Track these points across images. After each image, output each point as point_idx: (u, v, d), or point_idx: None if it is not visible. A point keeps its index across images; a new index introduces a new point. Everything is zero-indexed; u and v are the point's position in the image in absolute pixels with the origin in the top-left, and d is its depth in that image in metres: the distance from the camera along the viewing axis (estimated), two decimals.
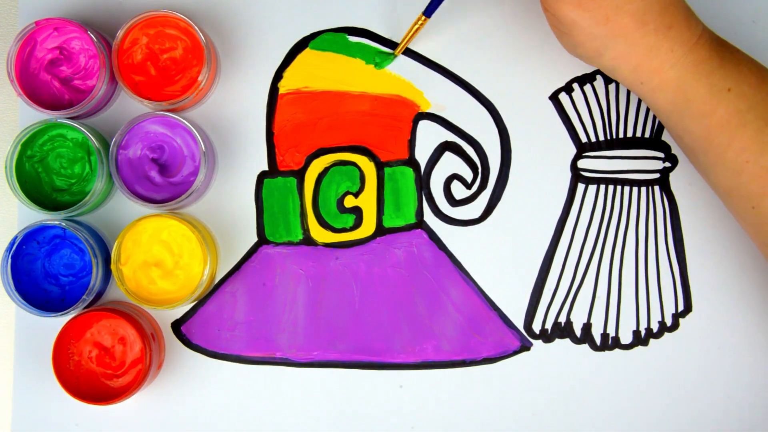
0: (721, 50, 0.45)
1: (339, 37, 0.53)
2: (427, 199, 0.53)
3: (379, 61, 0.53)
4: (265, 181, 0.53)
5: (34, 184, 0.51)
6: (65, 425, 0.52)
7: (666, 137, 0.53)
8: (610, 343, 0.53)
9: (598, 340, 0.53)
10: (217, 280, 0.53)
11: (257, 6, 0.54)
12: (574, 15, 0.43)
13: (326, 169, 0.53)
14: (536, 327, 0.53)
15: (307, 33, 0.54)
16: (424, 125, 0.53)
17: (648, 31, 0.43)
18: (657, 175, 0.53)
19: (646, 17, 0.43)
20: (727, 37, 0.52)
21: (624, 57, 0.44)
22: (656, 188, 0.53)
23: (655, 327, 0.53)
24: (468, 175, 0.53)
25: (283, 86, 0.53)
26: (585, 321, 0.53)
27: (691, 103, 0.45)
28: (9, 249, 0.50)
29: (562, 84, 0.53)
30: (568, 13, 0.43)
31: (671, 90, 0.44)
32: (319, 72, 0.53)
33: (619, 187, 0.53)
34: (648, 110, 0.53)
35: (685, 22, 0.44)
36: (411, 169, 0.53)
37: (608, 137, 0.53)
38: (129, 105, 0.53)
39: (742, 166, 0.45)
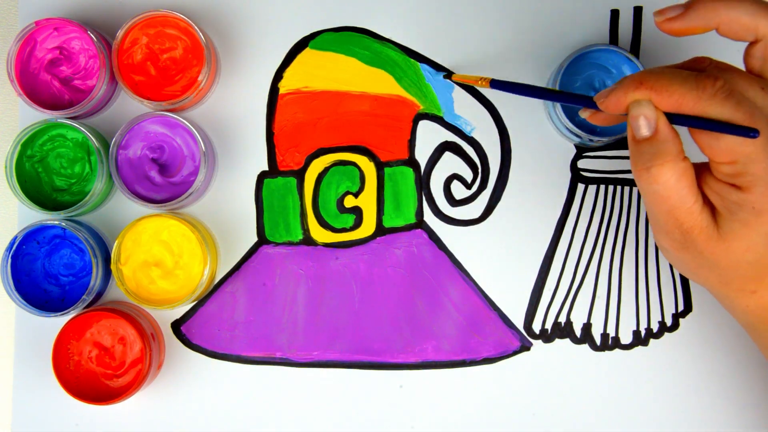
0: None
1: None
2: (427, 199, 0.53)
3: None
4: (265, 181, 0.53)
5: (34, 184, 0.51)
6: (65, 425, 0.53)
7: None
8: (610, 343, 0.53)
9: (598, 340, 0.53)
10: (217, 280, 0.53)
11: (257, 6, 0.54)
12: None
13: (326, 169, 0.53)
14: (536, 327, 0.53)
15: (307, 33, 0.54)
16: (424, 125, 0.53)
17: None
18: None
19: None
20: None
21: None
22: None
23: (655, 327, 0.53)
24: (468, 175, 0.53)
25: (283, 86, 0.53)
26: (585, 321, 0.53)
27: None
28: (9, 249, 0.50)
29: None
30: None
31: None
32: (319, 72, 0.53)
33: (619, 187, 0.53)
34: None
35: None
36: (411, 169, 0.53)
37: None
38: (129, 105, 0.53)
39: None
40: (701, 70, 0.39)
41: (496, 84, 0.47)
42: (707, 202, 0.39)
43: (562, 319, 0.53)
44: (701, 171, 0.40)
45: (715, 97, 0.37)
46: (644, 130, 0.38)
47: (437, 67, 0.53)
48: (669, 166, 0.38)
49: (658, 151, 0.38)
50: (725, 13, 0.38)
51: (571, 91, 0.43)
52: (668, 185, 0.38)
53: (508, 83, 0.46)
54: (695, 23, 0.39)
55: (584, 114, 0.44)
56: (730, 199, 0.38)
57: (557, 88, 0.50)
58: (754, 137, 0.35)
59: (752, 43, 0.39)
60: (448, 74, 0.53)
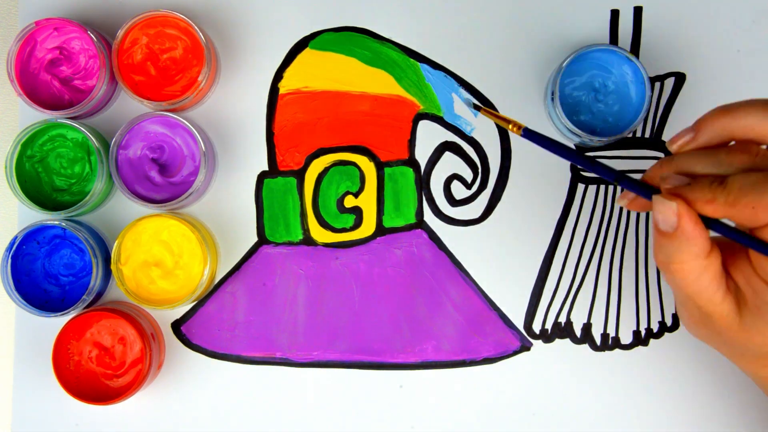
0: None
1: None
2: (427, 199, 0.53)
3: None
4: (265, 181, 0.53)
5: (34, 184, 0.51)
6: (65, 425, 0.53)
7: (665, 137, 0.53)
8: (610, 343, 0.53)
9: (598, 340, 0.53)
10: (217, 280, 0.53)
11: (257, 6, 0.54)
12: None
13: (326, 169, 0.53)
14: (536, 327, 0.53)
15: (307, 33, 0.54)
16: (424, 125, 0.53)
17: None
18: None
19: None
20: (727, 37, 0.53)
21: None
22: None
23: (655, 327, 0.53)
24: (468, 175, 0.53)
25: (283, 86, 0.53)
26: (585, 321, 0.53)
27: None
28: (9, 249, 0.50)
29: None
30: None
31: None
32: (319, 72, 0.53)
33: (619, 188, 0.53)
34: (647, 110, 0.52)
35: None
36: (411, 169, 0.53)
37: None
38: (129, 105, 0.53)
39: None
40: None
41: (528, 133, 0.43)
42: (731, 288, 0.38)
43: (562, 319, 0.53)
44: (737, 253, 0.38)
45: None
46: (663, 226, 0.36)
47: (438, 67, 0.53)
48: (688, 265, 0.36)
49: (678, 249, 0.36)
50: (735, 126, 0.36)
51: (605, 165, 0.40)
52: (688, 281, 0.37)
53: (541, 136, 0.42)
54: (711, 143, 0.37)
55: (621, 202, 0.42)
56: (761, 296, 0.36)
57: (557, 88, 0.50)
58: None
59: None
60: (477, 107, 0.51)
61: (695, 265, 0.36)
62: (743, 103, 0.37)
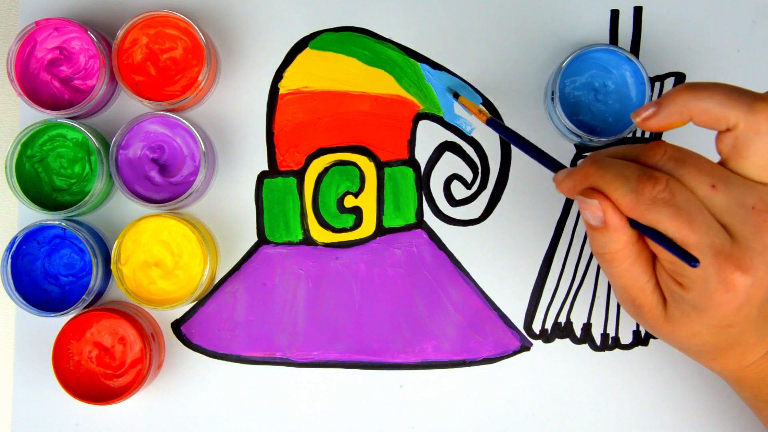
0: None
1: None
2: (427, 199, 0.53)
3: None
4: (265, 181, 0.53)
5: (34, 184, 0.51)
6: (65, 425, 0.53)
7: (666, 137, 0.53)
8: (610, 343, 0.53)
9: (598, 340, 0.53)
10: (217, 280, 0.53)
11: (257, 6, 0.54)
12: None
13: (326, 169, 0.53)
14: (536, 327, 0.53)
15: (307, 33, 0.54)
16: (424, 125, 0.53)
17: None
18: None
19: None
20: (727, 37, 0.53)
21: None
22: None
23: None
24: (468, 175, 0.53)
25: (283, 86, 0.53)
26: (585, 321, 0.53)
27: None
28: (9, 249, 0.50)
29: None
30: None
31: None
32: (319, 72, 0.53)
33: None
34: None
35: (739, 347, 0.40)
36: (411, 169, 0.53)
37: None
38: (129, 105, 0.53)
39: None
40: (654, 164, 0.38)
41: (491, 122, 0.48)
42: (658, 283, 0.40)
43: (562, 319, 0.53)
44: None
45: (654, 203, 0.36)
46: (592, 222, 0.38)
47: (438, 67, 0.53)
48: (621, 254, 0.38)
49: (610, 241, 0.38)
50: (695, 106, 0.37)
51: (547, 153, 0.44)
52: (621, 269, 0.39)
53: (501, 125, 0.47)
54: (670, 120, 0.39)
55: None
56: (672, 290, 0.38)
57: (557, 88, 0.50)
58: (694, 266, 0.35)
59: (723, 131, 0.38)
60: (455, 95, 0.52)
61: (628, 252, 0.38)
62: (708, 84, 0.38)
